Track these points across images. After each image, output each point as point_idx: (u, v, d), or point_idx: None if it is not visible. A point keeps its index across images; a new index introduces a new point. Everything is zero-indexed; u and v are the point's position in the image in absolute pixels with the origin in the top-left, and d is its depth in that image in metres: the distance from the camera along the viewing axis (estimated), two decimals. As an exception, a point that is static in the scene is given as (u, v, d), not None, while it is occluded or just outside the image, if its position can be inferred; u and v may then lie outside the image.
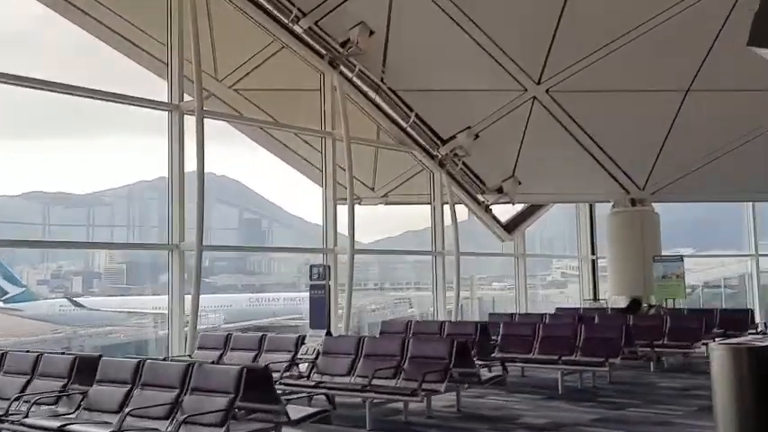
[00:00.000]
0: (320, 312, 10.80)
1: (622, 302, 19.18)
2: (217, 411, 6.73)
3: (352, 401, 9.72)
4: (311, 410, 7.74)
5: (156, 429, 7.00)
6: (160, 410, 7.13)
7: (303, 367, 10.32)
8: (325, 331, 10.58)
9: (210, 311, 17.41)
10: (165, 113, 12.93)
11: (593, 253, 22.39)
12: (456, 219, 17.82)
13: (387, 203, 18.69)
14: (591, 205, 22.55)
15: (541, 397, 11.10)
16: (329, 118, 15.71)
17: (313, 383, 9.68)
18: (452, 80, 16.58)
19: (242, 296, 20.60)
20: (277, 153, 17.21)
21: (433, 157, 17.85)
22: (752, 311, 16.25)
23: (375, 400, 9.31)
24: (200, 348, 11.57)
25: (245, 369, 6.93)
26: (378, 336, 13.55)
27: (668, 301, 17.88)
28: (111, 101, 12.61)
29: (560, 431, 8.83)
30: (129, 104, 12.89)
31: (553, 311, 18.08)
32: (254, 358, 10.87)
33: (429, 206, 18.83)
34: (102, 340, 20.59)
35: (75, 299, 17.40)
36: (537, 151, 18.13)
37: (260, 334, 11.25)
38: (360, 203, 18.23)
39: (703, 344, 13.58)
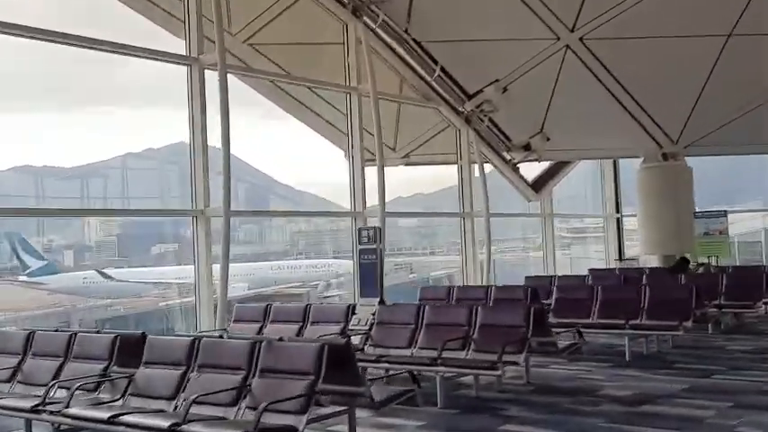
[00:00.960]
0: (371, 279, 9.87)
1: (654, 261, 18.39)
2: (297, 397, 5.78)
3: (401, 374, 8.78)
4: (395, 390, 6.81)
5: (223, 418, 6.08)
6: (225, 396, 6.19)
7: (355, 340, 9.40)
8: (377, 299, 9.65)
9: (236, 281, 16.49)
10: (177, 73, 11.86)
11: (617, 211, 21.53)
12: (485, 178, 16.84)
13: (408, 164, 17.69)
14: (615, 162, 21.66)
15: (609, 365, 10.25)
16: (353, 72, 14.60)
17: (374, 357, 8.75)
18: (480, 30, 15.48)
19: (265, 264, 19.64)
20: (297, 115, 16.20)
21: (458, 113, 16.83)
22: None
23: (446, 374, 8.40)
24: (236, 321, 10.65)
25: (326, 346, 5.98)
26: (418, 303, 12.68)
27: (710, 258, 17.06)
28: (127, 54, 11.52)
29: (656, 403, 7.96)
30: (146, 58, 11.73)
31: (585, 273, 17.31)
32: (299, 330, 9.97)
33: (446, 166, 17.92)
34: (102, 313, 19.74)
35: (103, 270, 16.40)
36: (567, 105, 17.15)
37: (304, 304, 10.31)
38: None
39: (764, 302, 12.87)
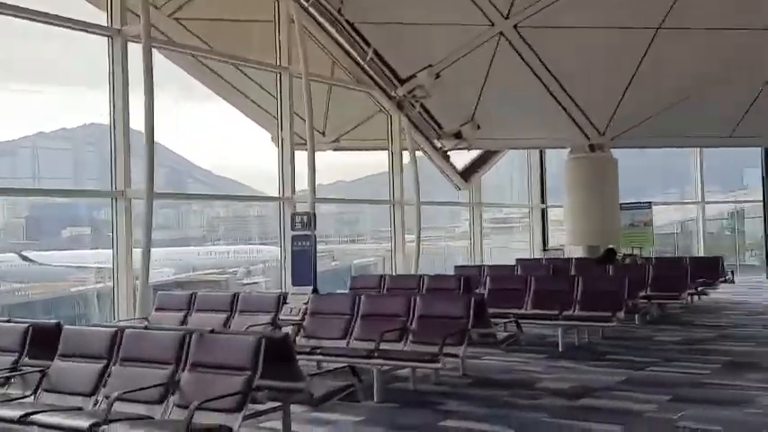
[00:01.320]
0: (303, 267, 9.44)
1: (579, 252, 18.52)
2: (233, 395, 5.35)
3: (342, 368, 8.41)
4: (335, 385, 6.42)
5: (149, 416, 5.59)
6: (152, 393, 5.70)
7: (287, 330, 8.98)
8: (310, 288, 9.24)
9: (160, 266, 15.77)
10: (93, 51, 11.13)
11: (542, 201, 21.64)
12: (417, 166, 16.57)
13: (337, 149, 17.29)
14: (542, 153, 21.76)
15: (544, 356, 10.14)
16: (284, 52, 14.07)
17: (307, 349, 8.34)
18: (415, 13, 15.16)
19: (192, 249, 18.88)
20: (223, 95, 15.58)
21: (390, 98, 16.49)
22: (721, 259, 15.76)
23: (383, 367, 8.08)
24: (158, 310, 10.06)
25: (264, 339, 5.55)
26: (348, 292, 12.33)
27: (634, 249, 17.27)
28: (44, 22, 10.66)
29: (594, 396, 7.83)
30: (63, 27, 10.93)
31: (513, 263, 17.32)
32: (227, 321, 9.48)
33: (368, 154, 17.66)
34: (10, 299, 18.66)
35: (23, 253, 15.36)
36: (499, 93, 17.05)
37: (232, 292, 9.80)
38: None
39: (689, 293, 13.03)
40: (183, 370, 5.79)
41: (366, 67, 15.85)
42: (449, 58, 16.08)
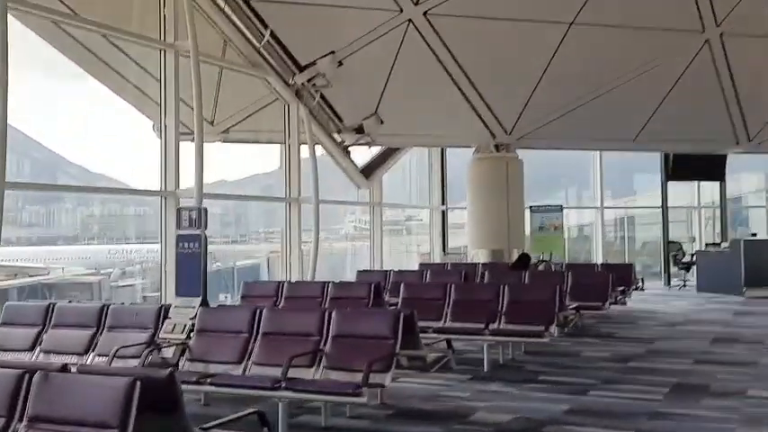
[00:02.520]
0: (191, 273, 7.68)
1: (483, 256, 17.42)
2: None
3: (243, 397, 6.77)
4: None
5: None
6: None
7: (169, 352, 7.23)
8: (199, 299, 7.52)
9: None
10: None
11: (443, 203, 20.47)
12: (316, 161, 14.94)
13: (226, 141, 15.44)
14: (443, 152, 20.58)
15: (468, 377, 8.80)
16: (170, 27, 12.15)
17: (194, 378, 6.61)
18: (318, -8, 13.63)
19: (102, 247, 16.55)
20: (98, 76, 13.48)
21: (288, 85, 14.81)
22: (633, 266, 14.97)
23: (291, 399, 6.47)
24: (4, 325, 8.03)
25: (138, 383, 3.85)
26: (241, 302, 10.63)
27: (543, 254, 16.29)
28: None
29: (543, 432, 6.51)
30: None
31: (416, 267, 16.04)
32: (92, 339, 7.61)
33: (253, 154, 15.99)
34: None
35: None
36: (404, 86, 15.70)
37: (100, 304, 7.90)
38: (192, 140, 14.93)
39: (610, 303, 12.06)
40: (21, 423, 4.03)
41: (262, 50, 14.11)
42: (353, 44, 14.56)
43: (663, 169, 20.28)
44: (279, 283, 10.96)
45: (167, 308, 7.47)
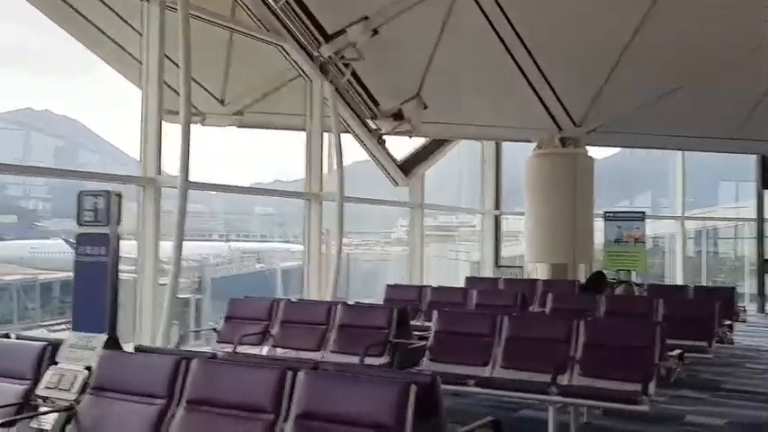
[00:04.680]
0: (94, 293, 4.87)
1: (543, 271, 14.35)
2: None
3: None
4: None
5: None
6: None
7: (48, 422, 4.45)
8: (103, 337, 4.72)
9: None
10: None
11: (497, 207, 17.41)
12: (341, 150, 12.11)
13: (242, 125, 12.73)
14: (498, 147, 17.51)
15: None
16: (156, -29, 9.48)
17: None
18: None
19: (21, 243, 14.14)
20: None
21: (312, 57, 12.01)
22: (734, 291, 11.71)
23: None
24: None
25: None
26: (223, 325, 7.87)
27: (619, 273, 13.14)
28: None
29: None
30: None
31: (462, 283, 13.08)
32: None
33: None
34: None
35: None
36: (453, 64, 12.83)
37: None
38: (203, 122, 12.31)
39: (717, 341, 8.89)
40: None
41: (279, 13, 11.36)
42: (391, 8, 11.69)
43: (760, 175, 16.89)
44: (273, 302, 8.14)
45: (55, 347, 4.70)
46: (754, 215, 17.65)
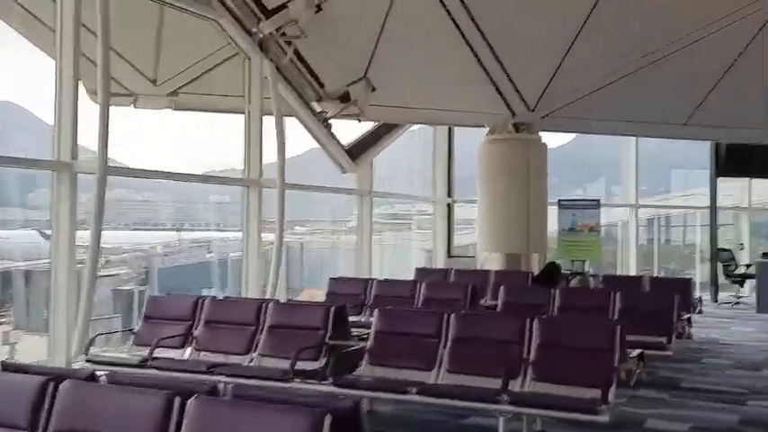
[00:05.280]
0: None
1: (496, 262, 13.71)
2: None
3: None
4: None
5: None
6: None
7: None
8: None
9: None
10: None
11: (449, 195, 16.72)
12: (283, 134, 11.25)
13: (177, 107, 11.76)
14: (450, 132, 16.80)
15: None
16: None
17: None
18: None
19: None
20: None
21: (250, 34, 11.11)
22: (692, 283, 11.19)
23: None
24: None
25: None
26: (142, 325, 7.01)
27: (574, 263, 12.54)
28: None
29: None
30: None
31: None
32: None
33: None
34: None
35: None
36: (402, 44, 12.05)
37: None
38: (135, 104, 11.35)
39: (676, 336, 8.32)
40: None
41: (214, -16, 10.44)
42: (336, -17, 10.90)
43: (713, 162, 16.49)
44: (198, 299, 7.30)
45: None
46: (705, 203, 17.29)
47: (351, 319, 8.81)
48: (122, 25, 9.90)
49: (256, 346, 6.76)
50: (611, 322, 6.09)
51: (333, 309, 6.75)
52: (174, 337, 6.93)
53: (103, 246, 13.79)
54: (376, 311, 6.74)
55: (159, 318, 7.23)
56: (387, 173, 17.55)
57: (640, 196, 18.29)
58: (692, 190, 20.73)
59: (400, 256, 18.34)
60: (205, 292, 12.77)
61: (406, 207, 18.88)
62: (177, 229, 17.38)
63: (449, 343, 6.25)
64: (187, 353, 6.91)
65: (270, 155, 11.82)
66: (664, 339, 7.89)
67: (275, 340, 6.73)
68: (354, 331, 7.58)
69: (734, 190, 19.35)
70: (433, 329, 6.36)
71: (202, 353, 6.87)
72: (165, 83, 11.51)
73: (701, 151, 17.33)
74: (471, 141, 15.23)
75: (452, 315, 6.40)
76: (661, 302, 8.54)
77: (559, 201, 13.85)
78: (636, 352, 6.31)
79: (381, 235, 18.62)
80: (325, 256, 18.28)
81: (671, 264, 20.88)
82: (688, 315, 9.27)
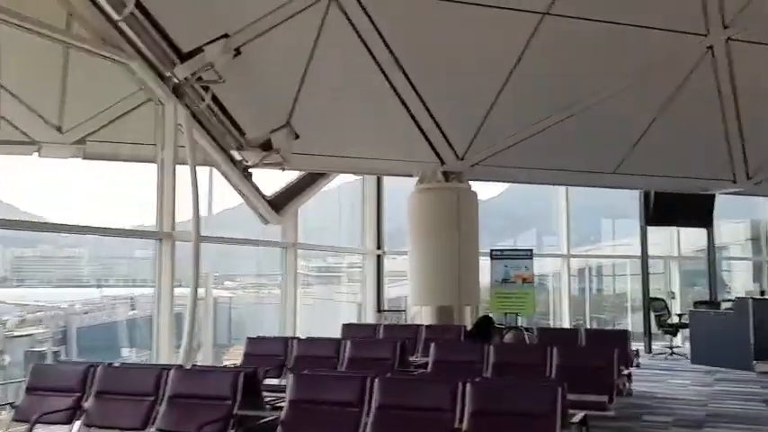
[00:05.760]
0: None
1: (427, 316, 13.11)
2: None
3: None
4: None
5: None
6: None
7: None
8: None
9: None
10: None
11: (378, 246, 16.12)
12: (197, 184, 10.49)
13: (86, 157, 10.89)
14: (379, 181, 16.27)
15: None
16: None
17: None
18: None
19: None
20: None
21: (164, 78, 10.40)
22: (627, 333, 10.75)
23: None
24: None
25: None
26: (24, 397, 6.06)
27: (507, 315, 12.00)
28: None
29: None
30: None
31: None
32: None
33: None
34: None
35: None
36: (326, 91, 11.55)
37: None
38: (39, 152, 10.46)
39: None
40: None
41: (124, 26, 9.72)
42: (254, 26, 10.31)
43: (642, 211, 16.37)
44: (88, 367, 6.40)
45: None
46: (635, 252, 17.16)
47: (270, 382, 8.07)
48: (23, 67, 9.14)
49: (155, 419, 5.90)
50: (551, 385, 5.49)
51: (242, 375, 5.96)
52: (59, 411, 6.01)
53: (21, 303, 12.82)
54: (290, 377, 5.99)
55: (44, 389, 6.31)
56: (314, 224, 16.90)
57: (570, 246, 18.06)
58: (621, 239, 20.68)
59: (331, 311, 17.58)
60: (125, 352, 11.93)
61: (338, 260, 18.20)
62: (99, 286, 16.31)
63: (372, 412, 5.54)
64: (75, 429, 5.99)
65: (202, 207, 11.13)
66: (605, 398, 7.32)
67: (177, 412, 5.90)
68: (271, 397, 6.81)
69: (662, 239, 19.31)
70: (355, 396, 5.64)
71: (92, 429, 5.96)
72: (71, 130, 10.67)
73: (629, 201, 17.26)
74: (404, 191, 14.72)
75: (376, 379, 5.70)
76: (600, 359, 8.02)
77: (491, 251, 13.41)
78: (578, 415, 5.70)
79: (311, 288, 17.87)
80: (254, 311, 17.41)
81: (602, 314, 20.67)
82: (628, 371, 8.77)
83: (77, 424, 6.03)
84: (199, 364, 12.07)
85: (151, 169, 10.88)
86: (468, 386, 5.45)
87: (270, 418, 5.81)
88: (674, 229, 18.50)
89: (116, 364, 6.74)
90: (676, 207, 16.18)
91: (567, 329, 13.58)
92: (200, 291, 12.86)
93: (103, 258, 16.41)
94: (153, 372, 6.19)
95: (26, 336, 13.17)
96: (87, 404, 6.11)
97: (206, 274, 12.66)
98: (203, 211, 12.86)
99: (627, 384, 8.68)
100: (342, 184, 16.10)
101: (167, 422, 5.84)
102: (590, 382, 7.39)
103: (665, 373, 12.99)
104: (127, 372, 6.52)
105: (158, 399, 6.00)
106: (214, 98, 11.01)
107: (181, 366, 6.61)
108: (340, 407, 5.61)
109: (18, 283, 14.63)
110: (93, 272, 16.93)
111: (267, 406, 6.37)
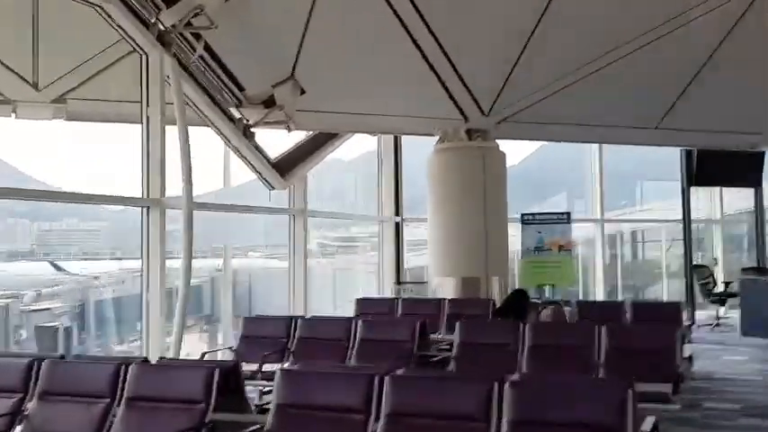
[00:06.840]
0: None
1: (450, 288, 11.78)
2: None
3: None
4: None
5: None
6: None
7: None
8: None
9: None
10: None
11: (397, 213, 14.76)
12: (188, 142, 9.14)
13: (69, 117, 9.58)
14: (397, 142, 14.84)
15: None
16: None
17: None
18: None
19: None
20: None
21: (147, 25, 9.03)
22: (679, 306, 9.35)
23: None
24: None
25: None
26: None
27: (544, 288, 10.64)
28: None
29: None
30: None
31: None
32: None
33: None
34: None
35: None
36: (335, 38, 10.14)
37: None
38: (15, 113, 9.20)
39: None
40: None
41: (99, -36, 8.37)
42: (250, -38, 8.92)
43: (685, 171, 14.85)
44: (33, 361, 5.13)
45: None
46: (670, 216, 15.68)
47: (271, 368, 6.75)
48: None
49: (109, 427, 4.64)
50: (618, 387, 4.10)
51: (217, 372, 4.65)
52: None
53: (39, 277, 11.91)
54: (278, 372, 4.67)
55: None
56: (330, 190, 15.62)
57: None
58: (654, 203, 19.21)
59: (354, 282, 16.35)
60: (140, 326, 11.12)
61: (361, 229, 16.90)
62: (119, 258, 15.37)
63: (381, 420, 4.22)
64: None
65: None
66: (668, 388, 5.96)
67: (136, 418, 4.63)
68: (270, 387, 5.54)
69: (699, 201, 17.78)
70: (360, 399, 4.33)
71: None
72: (48, 87, 9.37)
73: (666, 162, 15.76)
74: (426, 151, 13.32)
75: (387, 378, 4.37)
76: (656, 337, 6.63)
77: (522, 216, 12.01)
78: (648, 421, 4.34)
79: (334, 258, 16.62)
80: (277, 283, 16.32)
81: (636, 282, 19.23)
82: (690, 353, 7.39)
83: (17, 431, 4.80)
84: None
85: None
86: (507, 387, 4.11)
87: (254, 428, 4.53)
88: (715, 190, 16.97)
89: (68, 358, 5.48)
90: (722, 166, 14.65)
91: (611, 303, 12.18)
92: (218, 262, 11.80)
93: (124, 231, 15.42)
94: (109, 367, 4.90)
95: (44, 310, 12.26)
96: (30, 408, 4.86)
97: (225, 245, 11.61)
98: (219, 183, 11.73)
99: (689, 369, 7.32)
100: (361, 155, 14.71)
101: (124, 430, 4.58)
102: (647, 368, 6.03)
103: (716, 348, 11.59)
104: (78, 367, 5.23)
105: (115, 401, 4.73)
106: (207, 48, 9.65)
107: (145, 360, 5.34)
108: (340, 413, 4.31)
109: (44, 257, 13.75)
110: (114, 244, 15.98)
111: (255, 407, 5.10)
